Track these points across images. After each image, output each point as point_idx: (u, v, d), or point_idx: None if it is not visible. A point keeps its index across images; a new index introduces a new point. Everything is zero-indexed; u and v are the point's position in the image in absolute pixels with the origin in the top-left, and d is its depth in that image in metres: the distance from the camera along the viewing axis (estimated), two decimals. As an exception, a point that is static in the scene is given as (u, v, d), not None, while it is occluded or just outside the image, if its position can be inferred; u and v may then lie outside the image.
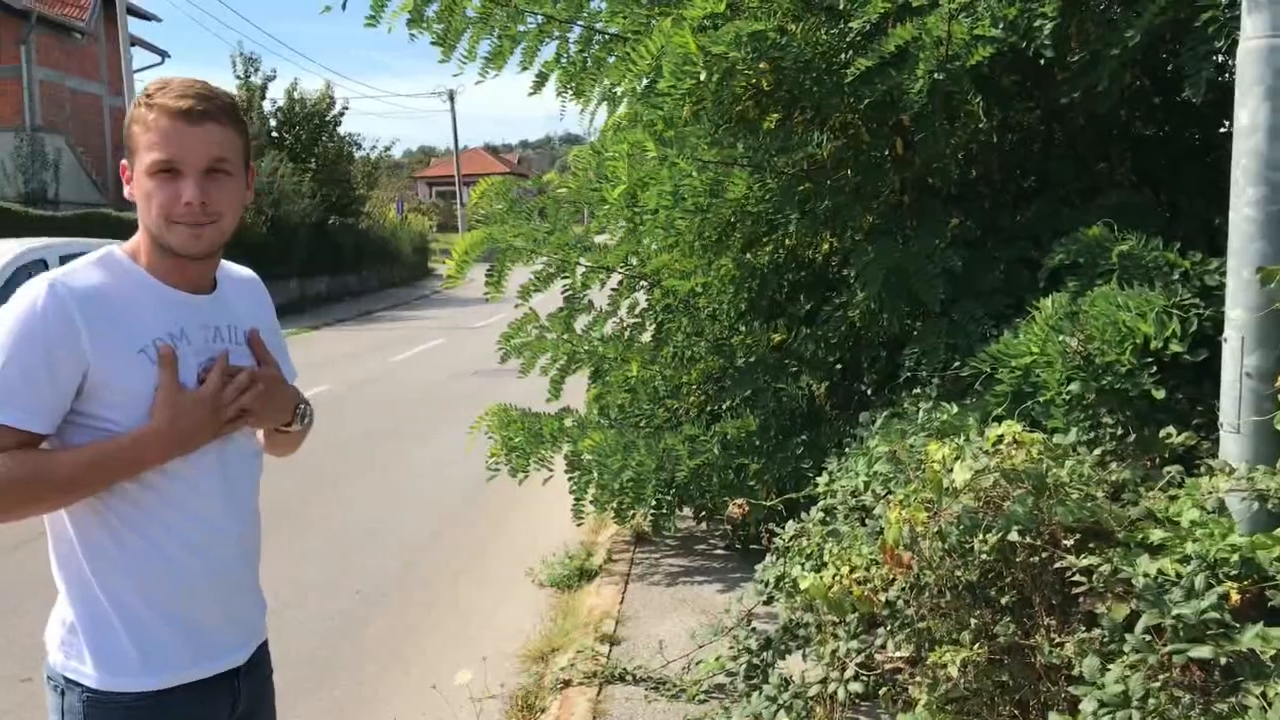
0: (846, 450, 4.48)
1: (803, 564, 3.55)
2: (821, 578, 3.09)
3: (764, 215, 5.26)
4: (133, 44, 26.18)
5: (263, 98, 28.93)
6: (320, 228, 27.88)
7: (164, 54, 32.29)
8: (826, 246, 5.83)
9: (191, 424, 1.80)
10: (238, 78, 29.08)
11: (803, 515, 3.82)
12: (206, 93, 1.83)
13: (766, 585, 3.87)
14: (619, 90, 5.77)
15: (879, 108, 4.86)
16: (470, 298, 29.74)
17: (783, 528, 3.83)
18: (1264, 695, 2.37)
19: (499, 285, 5.49)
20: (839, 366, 5.47)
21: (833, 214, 5.14)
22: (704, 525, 6.22)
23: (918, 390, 4.70)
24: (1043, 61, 5.01)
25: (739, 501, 5.85)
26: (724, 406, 5.52)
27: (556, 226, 5.40)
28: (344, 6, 4.97)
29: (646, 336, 6.00)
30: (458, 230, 53.85)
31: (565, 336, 5.80)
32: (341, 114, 30.53)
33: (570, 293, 5.66)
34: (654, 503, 5.40)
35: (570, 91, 5.72)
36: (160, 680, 1.82)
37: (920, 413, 4.15)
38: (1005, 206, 5.27)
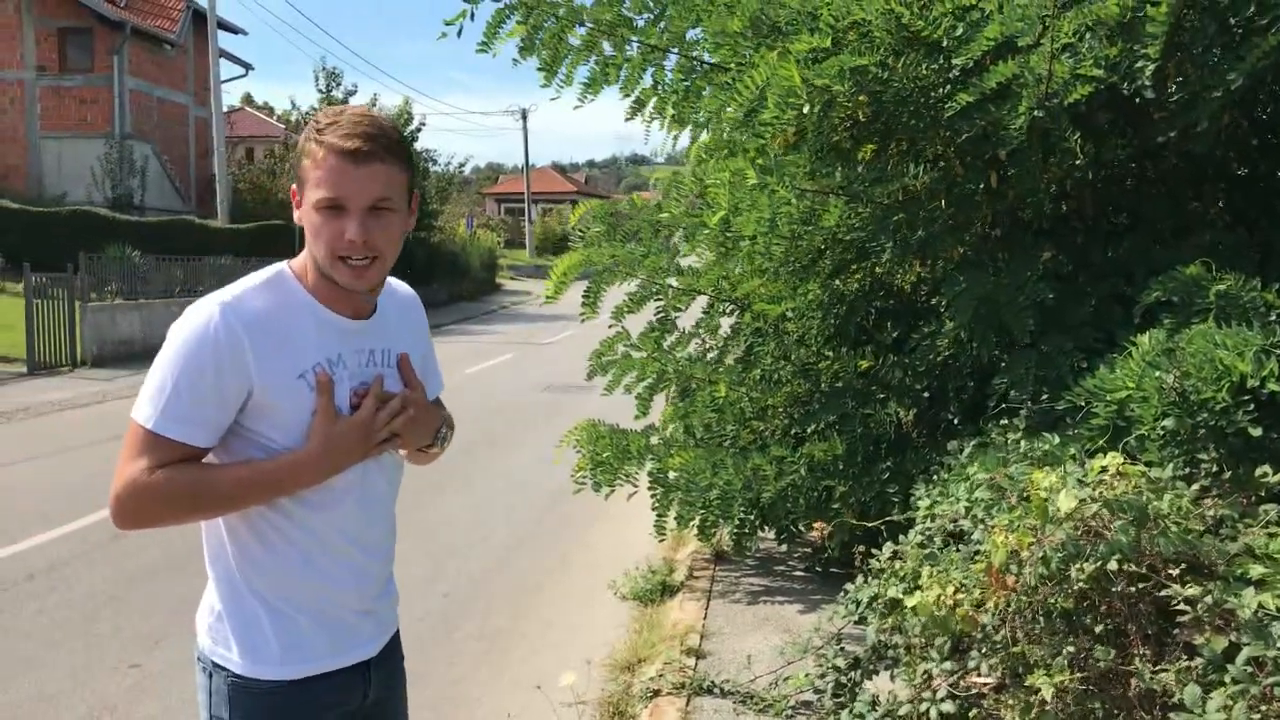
0: (934, 477, 4.57)
1: (898, 585, 3.64)
2: (926, 596, 3.19)
3: (855, 243, 5.38)
4: (219, 56, 26.90)
5: (343, 112, 29.55)
6: (393, 241, 28.37)
7: (248, 66, 33.21)
8: (914, 276, 5.92)
9: (344, 449, 1.92)
10: (319, 91, 29.84)
11: (900, 538, 3.91)
12: (374, 131, 1.85)
13: (858, 605, 3.97)
14: (711, 118, 5.94)
15: (975, 142, 4.96)
16: (537, 314, 30.17)
17: (873, 550, 3.93)
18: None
19: (594, 305, 5.66)
20: (926, 395, 5.55)
21: (924, 244, 5.24)
22: (784, 547, 6.32)
23: (1005, 421, 4.79)
24: (1138, 100, 5.10)
25: (819, 525, 6.00)
26: (809, 430, 5.62)
27: (650, 250, 5.56)
28: (459, 34, 5.18)
29: (731, 359, 6.13)
30: (524, 247, 54.50)
31: (654, 355, 5.94)
32: (419, 130, 31.12)
33: (663, 314, 5.81)
34: (738, 521, 5.51)
35: (666, 118, 5.89)
36: (298, 671, 1.96)
37: (1009, 442, 4.25)
38: (1097, 242, 5.33)
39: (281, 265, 2.00)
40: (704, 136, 6.76)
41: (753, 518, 5.59)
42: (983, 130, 4.82)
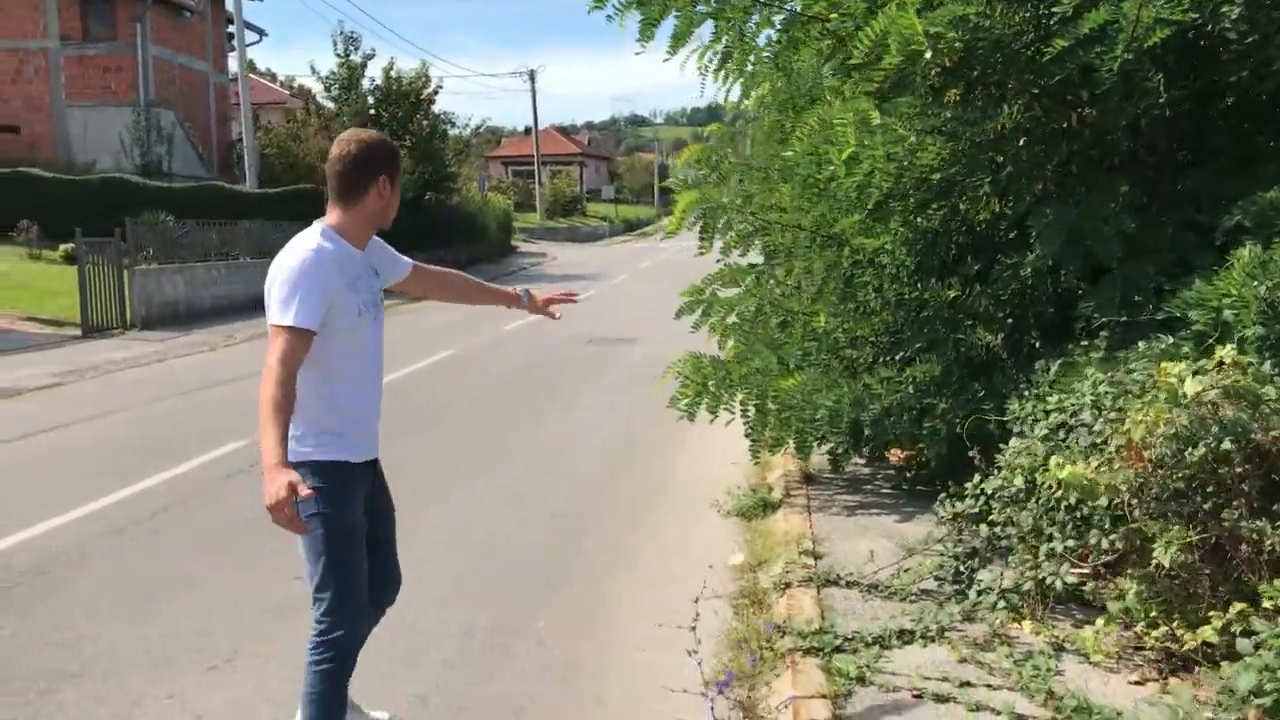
0: (1026, 392, 5.05)
1: (1024, 474, 4.13)
2: (1074, 469, 3.66)
3: (940, 181, 5.82)
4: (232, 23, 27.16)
5: (362, 75, 29.83)
6: (416, 203, 28.82)
7: (262, 32, 33.41)
8: (988, 212, 6.36)
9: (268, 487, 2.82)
10: (338, 56, 30.00)
11: (1000, 447, 4.38)
12: None
13: (980, 496, 4.46)
14: (787, 70, 6.38)
15: (1062, 84, 5.39)
16: (559, 274, 30.57)
17: (999, 446, 4.41)
18: None
19: (710, 240, 6.12)
20: (1009, 321, 6.01)
21: (1011, 179, 5.68)
22: (869, 468, 6.82)
23: (1085, 342, 5.27)
24: (1203, 43, 5.54)
25: (897, 451, 6.51)
26: (898, 357, 6.10)
27: (757, 191, 6.00)
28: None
29: (829, 292, 6.58)
30: (533, 210, 54.74)
31: (752, 291, 6.41)
32: (436, 93, 31.37)
33: (771, 248, 6.27)
34: (841, 440, 6.01)
35: (736, 71, 6.32)
36: (350, 456, 3.28)
37: (1092, 360, 4.74)
38: (1167, 175, 5.77)
39: (322, 224, 3.24)
40: (763, 88, 7.21)
41: (848, 438, 6.08)
42: (1071, 73, 5.26)
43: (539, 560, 5.77)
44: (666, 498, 7.02)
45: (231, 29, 28.71)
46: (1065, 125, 5.70)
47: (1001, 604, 4.30)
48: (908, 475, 6.46)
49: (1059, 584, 4.03)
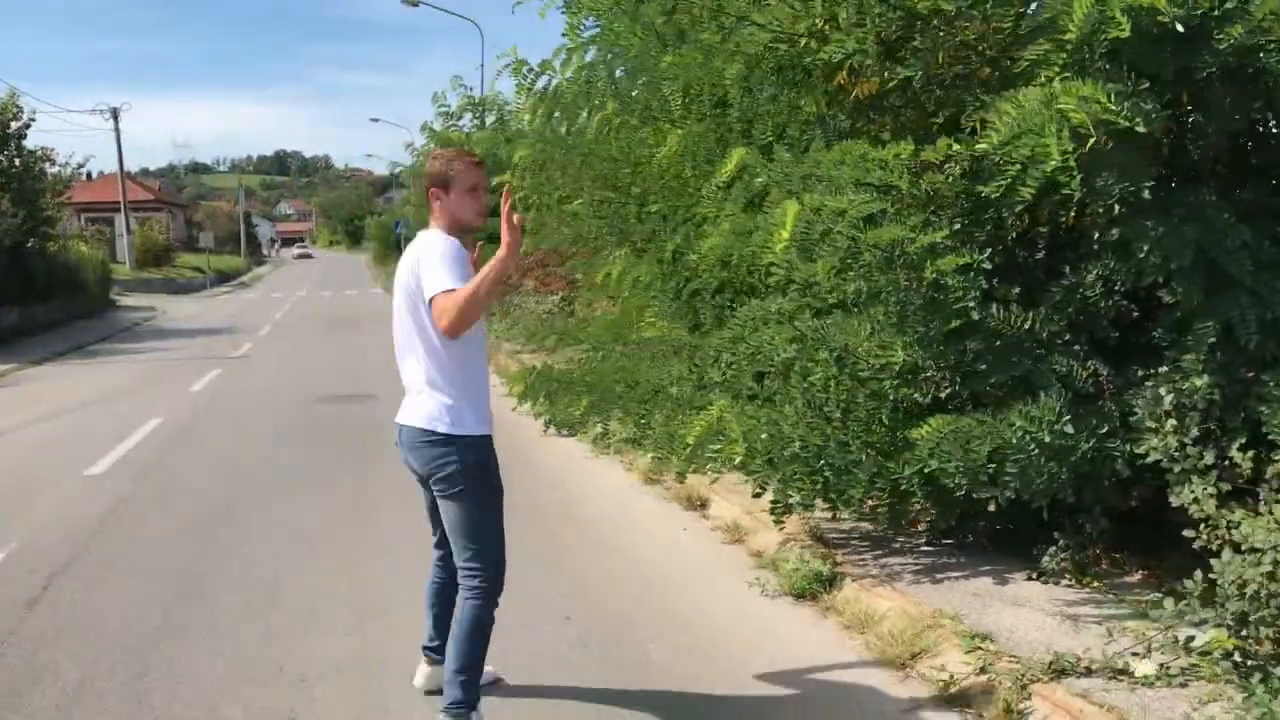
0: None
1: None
2: None
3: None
4: None
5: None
6: (15, 251, 24.56)
7: None
8: (1016, 229, 5.73)
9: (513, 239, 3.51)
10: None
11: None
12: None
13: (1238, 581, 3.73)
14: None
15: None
16: (177, 329, 27.13)
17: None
18: None
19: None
20: (1075, 346, 5.38)
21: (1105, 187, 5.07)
22: (856, 521, 6.06)
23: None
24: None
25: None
26: (965, 394, 5.30)
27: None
28: None
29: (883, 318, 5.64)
30: (122, 261, 48.96)
31: (789, 318, 5.38)
32: (28, 126, 26.97)
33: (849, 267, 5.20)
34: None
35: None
36: (486, 430, 3.80)
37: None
38: (1264, 184, 5.43)
39: (437, 227, 3.80)
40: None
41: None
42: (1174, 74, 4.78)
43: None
44: (685, 588, 5.71)
45: None
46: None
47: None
48: (939, 528, 5.68)
49: None
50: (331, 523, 7.03)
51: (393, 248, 59.48)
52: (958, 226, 5.00)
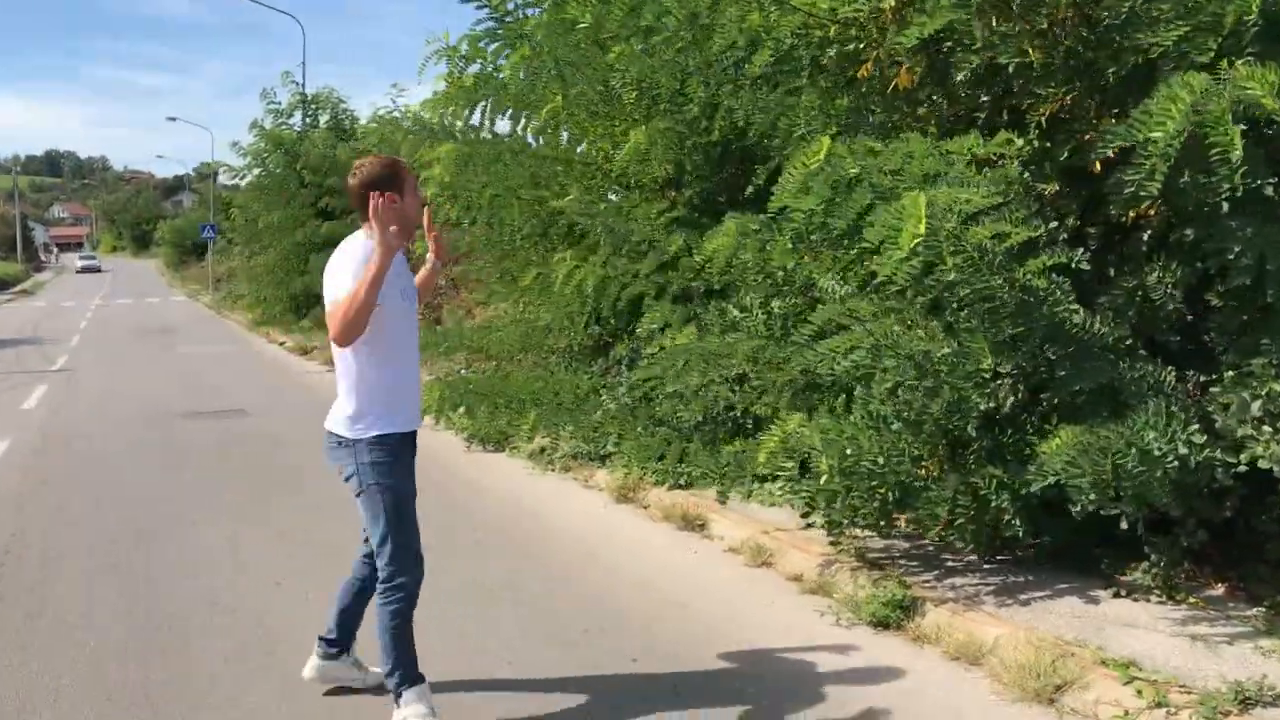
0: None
1: None
2: None
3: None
4: None
5: None
6: None
7: None
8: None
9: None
10: None
11: None
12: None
13: None
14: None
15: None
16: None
17: None
18: None
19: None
20: (1140, 350, 5.17)
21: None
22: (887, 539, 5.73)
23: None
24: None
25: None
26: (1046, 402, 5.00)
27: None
28: None
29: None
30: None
31: (858, 316, 4.95)
32: None
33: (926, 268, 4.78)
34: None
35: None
36: (399, 428, 3.75)
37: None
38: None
39: (371, 233, 3.61)
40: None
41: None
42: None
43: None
44: (743, 622, 5.16)
45: None
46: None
47: None
48: (992, 542, 5.37)
49: None
50: (273, 546, 6.16)
51: (191, 253, 56.18)
52: (1054, 224, 4.69)
